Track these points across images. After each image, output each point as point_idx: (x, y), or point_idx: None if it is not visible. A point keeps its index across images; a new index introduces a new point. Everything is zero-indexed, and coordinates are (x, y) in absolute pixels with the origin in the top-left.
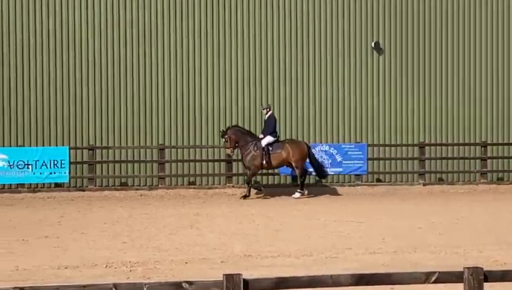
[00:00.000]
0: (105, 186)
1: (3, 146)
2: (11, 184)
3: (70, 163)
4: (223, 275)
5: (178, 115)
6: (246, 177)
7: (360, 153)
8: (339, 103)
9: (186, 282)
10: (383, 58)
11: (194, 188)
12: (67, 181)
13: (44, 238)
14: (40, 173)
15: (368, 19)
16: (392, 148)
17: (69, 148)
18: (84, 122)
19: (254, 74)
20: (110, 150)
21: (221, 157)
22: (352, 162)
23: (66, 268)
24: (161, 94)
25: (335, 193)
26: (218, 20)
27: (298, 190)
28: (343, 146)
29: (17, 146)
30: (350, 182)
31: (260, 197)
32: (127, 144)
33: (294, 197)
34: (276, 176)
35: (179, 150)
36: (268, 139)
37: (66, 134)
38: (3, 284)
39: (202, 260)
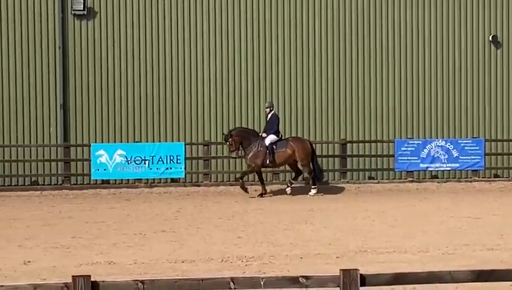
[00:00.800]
0: (220, 181)
1: (121, 142)
2: (128, 179)
3: (186, 158)
4: (340, 270)
5: (292, 110)
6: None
7: (478, 148)
8: (455, 97)
9: (303, 277)
10: (501, 52)
11: (308, 183)
12: (183, 176)
13: (161, 232)
14: (157, 169)
15: (486, 12)
16: (511, 143)
17: (185, 144)
18: (199, 118)
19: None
20: (224, 146)
21: (336, 153)
22: (469, 157)
23: (183, 262)
24: (275, 90)
25: (452, 189)
26: None
27: (312, 187)
28: (459, 141)
29: (134, 142)
30: (467, 177)
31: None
32: None
33: (310, 195)
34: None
35: None
36: (272, 138)
37: (181, 130)
38: (123, 277)
39: (317, 255)
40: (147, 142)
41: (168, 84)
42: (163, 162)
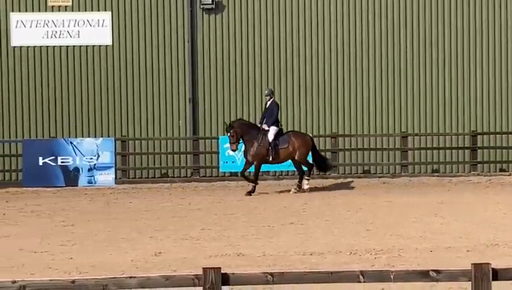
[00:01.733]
0: (348, 173)
1: None
2: None
3: None
4: (472, 264)
5: (421, 102)
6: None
7: None
8: None
9: (434, 271)
10: None
11: (438, 176)
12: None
13: (289, 224)
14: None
15: None
16: None
17: (312, 136)
18: (327, 110)
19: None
20: (352, 138)
21: (465, 145)
22: None
23: (311, 255)
24: (403, 81)
25: None
26: None
27: (305, 177)
28: None
29: None
30: None
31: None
32: (369, 132)
33: (304, 189)
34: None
35: (421, 137)
36: (274, 131)
37: (309, 122)
38: (252, 269)
39: (447, 248)
40: None
41: (295, 77)
42: None
